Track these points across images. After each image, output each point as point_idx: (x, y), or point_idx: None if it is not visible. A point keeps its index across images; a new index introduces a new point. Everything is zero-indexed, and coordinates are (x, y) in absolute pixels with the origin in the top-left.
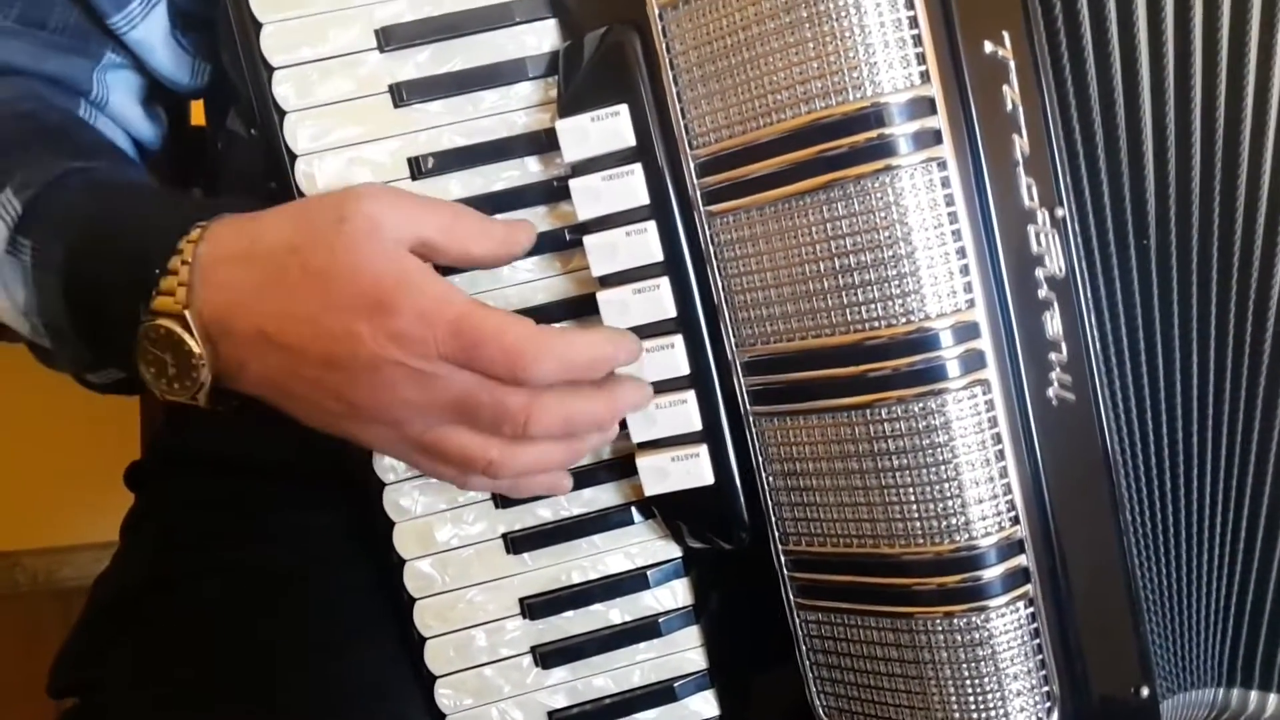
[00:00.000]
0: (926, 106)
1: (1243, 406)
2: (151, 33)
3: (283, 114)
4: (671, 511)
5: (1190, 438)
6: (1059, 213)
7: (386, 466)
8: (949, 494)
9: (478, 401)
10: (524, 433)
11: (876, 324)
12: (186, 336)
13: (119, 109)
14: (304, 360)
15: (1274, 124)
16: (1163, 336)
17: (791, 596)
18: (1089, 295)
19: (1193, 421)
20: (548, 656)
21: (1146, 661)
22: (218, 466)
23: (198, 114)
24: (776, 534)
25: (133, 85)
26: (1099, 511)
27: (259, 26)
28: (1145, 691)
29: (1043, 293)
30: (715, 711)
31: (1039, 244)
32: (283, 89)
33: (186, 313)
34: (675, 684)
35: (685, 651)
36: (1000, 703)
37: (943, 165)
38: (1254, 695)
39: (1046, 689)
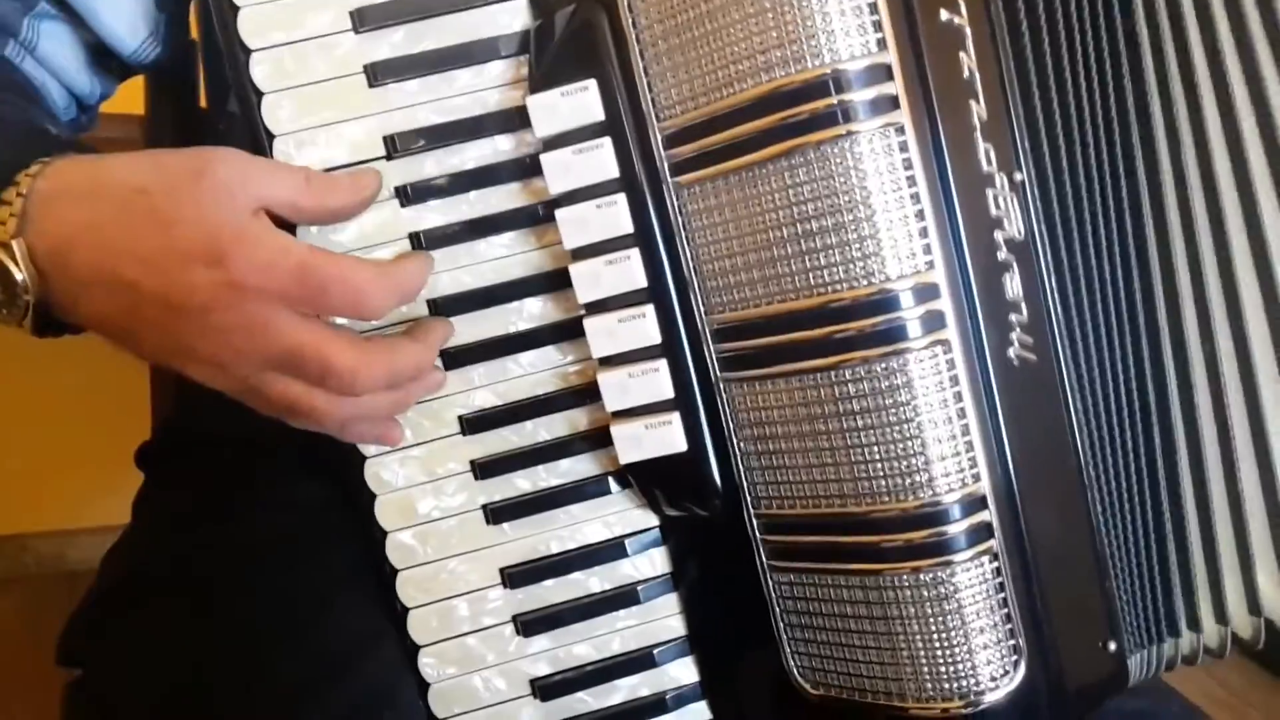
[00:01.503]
0: (884, 73)
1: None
2: None
3: (260, 95)
4: (647, 480)
5: (1148, 396)
6: (1017, 177)
7: None
8: (912, 451)
9: (303, 357)
10: (350, 390)
11: (839, 286)
12: (11, 265)
13: (50, 57)
14: (142, 300)
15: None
16: (1126, 297)
17: (764, 560)
18: (1049, 257)
19: (1150, 380)
20: (529, 625)
21: (1113, 616)
22: (226, 445)
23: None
24: (749, 498)
25: (68, 38)
26: (1062, 469)
27: (236, 10)
28: (1113, 646)
29: (1002, 255)
30: (694, 677)
31: (997, 207)
32: (260, 70)
33: (14, 242)
34: (655, 651)
35: (664, 619)
36: (967, 655)
37: (900, 130)
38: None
39: (1013, 642)
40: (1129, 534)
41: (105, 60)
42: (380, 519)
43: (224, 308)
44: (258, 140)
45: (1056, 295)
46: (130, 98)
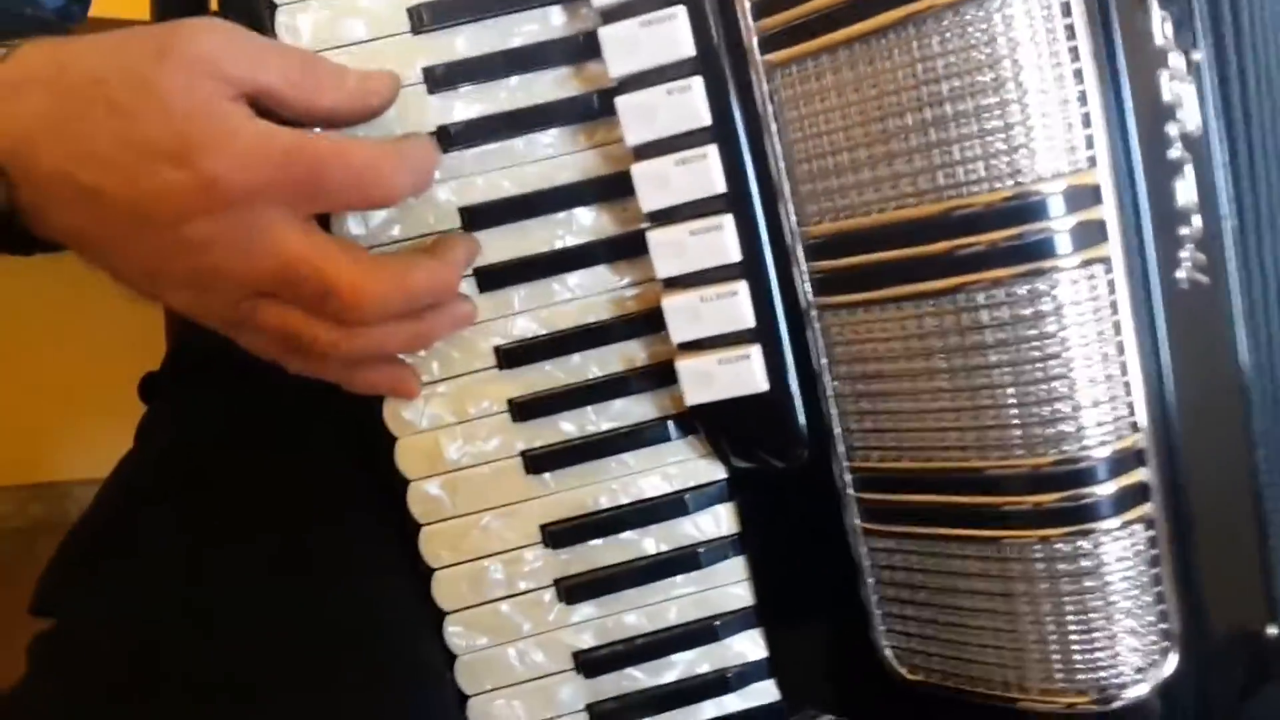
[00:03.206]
0: None
1: None
2: None
3: None
4: (717, 425)
5: None
6: (1195, 56)
7: None
8: (1057, 395)
9: (299, 272)
10: (357, 314)
11: (974, 188)
12: None
13: None
14: (106, 208)
15: None
16: None
17: (857, 522)
18: (1227, 159)
19: None
20: (573, 590)
21: (1274, 597)
22: (234, 371)
23: None
24: (841, 448)
25: None
26: (1229, 420)
27: None
28: (1274, 631)
29: (1174, 153)
30: (763, 654)
31: (1171, 93)
32: None
33: None
34: (716, 623)
35: (728, 586)
36: (1109, 642)
37: None
38: None
39: (1164, 627)
40: None
41: None
42: (402, 465)
43: (198, 214)
44: (255, 10)
45: (1234, 205)
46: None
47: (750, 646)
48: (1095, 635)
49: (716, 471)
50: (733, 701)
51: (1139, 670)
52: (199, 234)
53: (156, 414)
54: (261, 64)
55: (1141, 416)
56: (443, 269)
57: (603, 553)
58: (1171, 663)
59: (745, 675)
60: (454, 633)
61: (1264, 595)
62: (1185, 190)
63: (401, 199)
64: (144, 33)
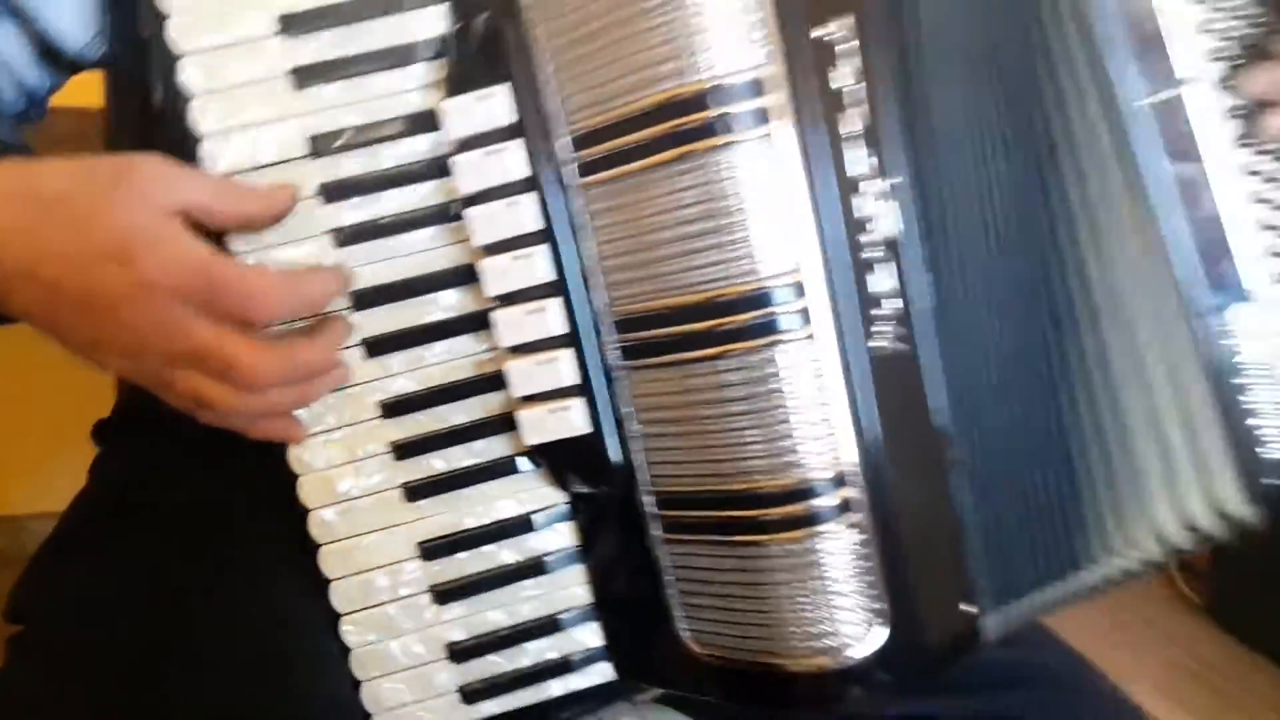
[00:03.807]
0: (764, 87)
1: (1060, 352)
2: None
3: (190, 97)
4: (553, 459)
5: (1014, 377)
6: (890, 181)
7: None
8: (783, 434)
9: (206, 351)
10: (251, 384)
11: (721, 284)
12: None
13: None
14: (61, 296)
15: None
16: (990, 290)
17: (658, 533)
18: (918, 256)
19: (1015, 363)
20: (445, 594)
21: (969, 582)
22: (174, 421)
23: None
24: (645, 477)
25: (14, 33)
26: (925, 448)
27: (164, 16)
28: (967, 608)
29: (870, 254)
30: (600, 642)
31: (868, 209)
32: (189, 74)
33: None
34: (562, 617)
35: (571, 588)
36: (832, 617)
37: (778, 140)
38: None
39: (876, 606)
40: (990, 505)
41: (54, 55)
42: (303, 497)
43: (132, 303)
44: (187, 141)
45: (924, 290)
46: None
47: (590, 636)
48: (823, 612)
49: (558, 496)
50: (577, 680)
51: (857, 638)
52: (132, 319)
53: (107, 455)
54: (190, 189)
55: (849, 449)
56: (321, 350)
57: (468, 563)
58: (882, 633)
59: (587, 659)
60: (348, 630)
61: (961, 581)
62: (882, 280)
63: (283, 319)
64: (104, 161)
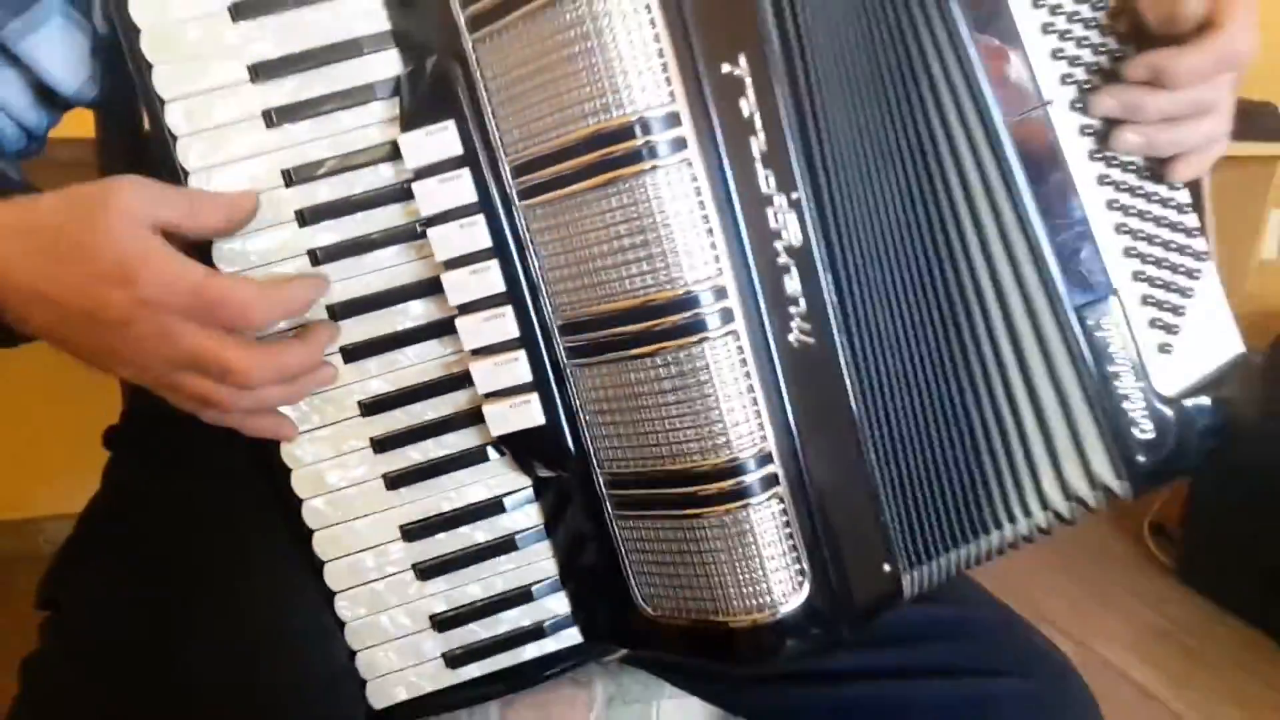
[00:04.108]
0: (676, 119)
1: (955, 342)
2: (38, 48)
3: (175, 138)
4: (516, 448)
5: (915, 365)
6: (794, 196)
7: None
8: (713, 420)
9: (205, 357)
10: (247, 383)
11: (651, 291)
12: None
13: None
14: (70, 315)
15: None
16: (890, 288)
17: (610, 510)
18: (822, 260)
19: (916, 352)
20: (426, 571)
21: (888, 544)
22: (180, 424)
23: None
24: (595, 460)
25: (15, 81)
26: (840, 428)
27: (150, 66)
28: (887, 568)
29: (782, 260)
30: (568, 609)
31: (777, 221)
32: (174, 117)
33: None
34: (532, 588)
35: (539, 562)
36: (763, 577)
37: (692, 164)
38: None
39: (799, 566)
40: (901, 475)
41: (50, 97)
42: (296, 489)
43: (137, 320)
44: (175, 176)
45: (833, 288)
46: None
47: (559, 604)
48: (756, 574)
49: (523, 481)
50: (549, 644)
51: (785, 596)
52: (135, 333)
53: (117, 459)
54: (164, 205)
55: (771, 431)
56: (309, 351)
57: (446, 543)
58: (806, 590)
59: (556, 625)
60: (341, 606)
61: (880, 544)
62: (792, 283)
63: (269, 327)
64: (85, 190)
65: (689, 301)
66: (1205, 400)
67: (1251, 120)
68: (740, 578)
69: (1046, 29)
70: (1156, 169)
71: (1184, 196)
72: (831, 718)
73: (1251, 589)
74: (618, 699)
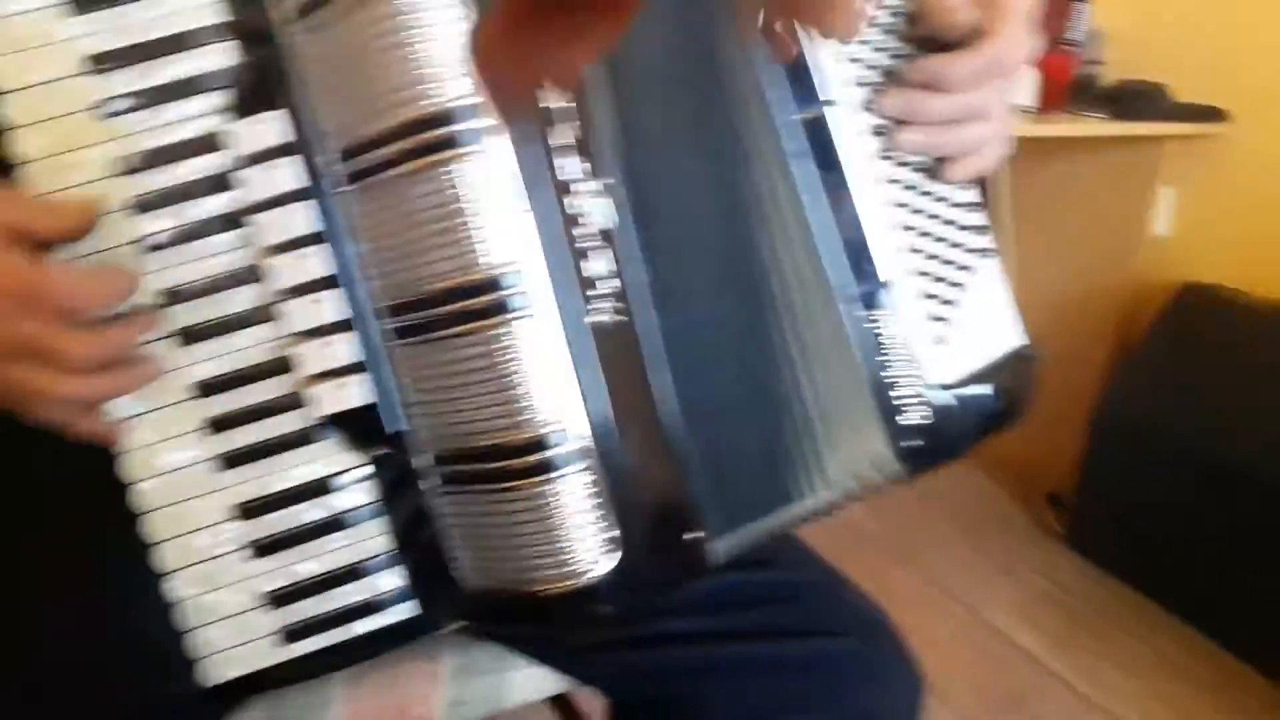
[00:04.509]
0: (480, 110)
1: (758, 322)
2: None
3: (6, 129)
4: (344, 427)
5: (724, 343)
6: (603, 181)
7: (111, 407)
8: (519, 397)
9: (31, 340)
10: (71, 364)
11: (461, 274)
12: None
13: None
14: None
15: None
16: (700, 271)
17: (436, 486)
18: (633, 242)
19: (724, 331)
20: (262, 549)
21: (694, 512)
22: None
23: None
24: (419, 439)
25: None
26: (649, 402)
27: None
28: (696, 535)
29: (584, 243)
30: (404, 583)
31: (580, 207)
32: (9, 109)
33: None
34: (368, 563)
35: (374, 538)
36: (570, 546)
37: (496, 153)
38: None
39: (610, 535)
40: (708, 443)
41: None
42: (127, 471)
43: None
44: (10, 167)
45: (633, 269)
46: None
47: (393, 580)
48: (564, 543)
49: (356, 459)
50: (382, 619)
51: (594, 563)
52: None
53: None
54: (9, 210)
55: (577, 407)
56: (127, 331)
57: (279, 521)
58: (615, 557)
59: (392, 599)
60: (175, 585)
61: (686, 512)
62: (597, 265)
63: (95, 307)
64: None
65: (493, 284)
66: (984, 388)
67: (1144, 101)
68: (551, 547)
69: None
70: (939, 170)
71: (971, 196)
72: (667, 679)
73: (1138, 556)
74: (468, 671)
